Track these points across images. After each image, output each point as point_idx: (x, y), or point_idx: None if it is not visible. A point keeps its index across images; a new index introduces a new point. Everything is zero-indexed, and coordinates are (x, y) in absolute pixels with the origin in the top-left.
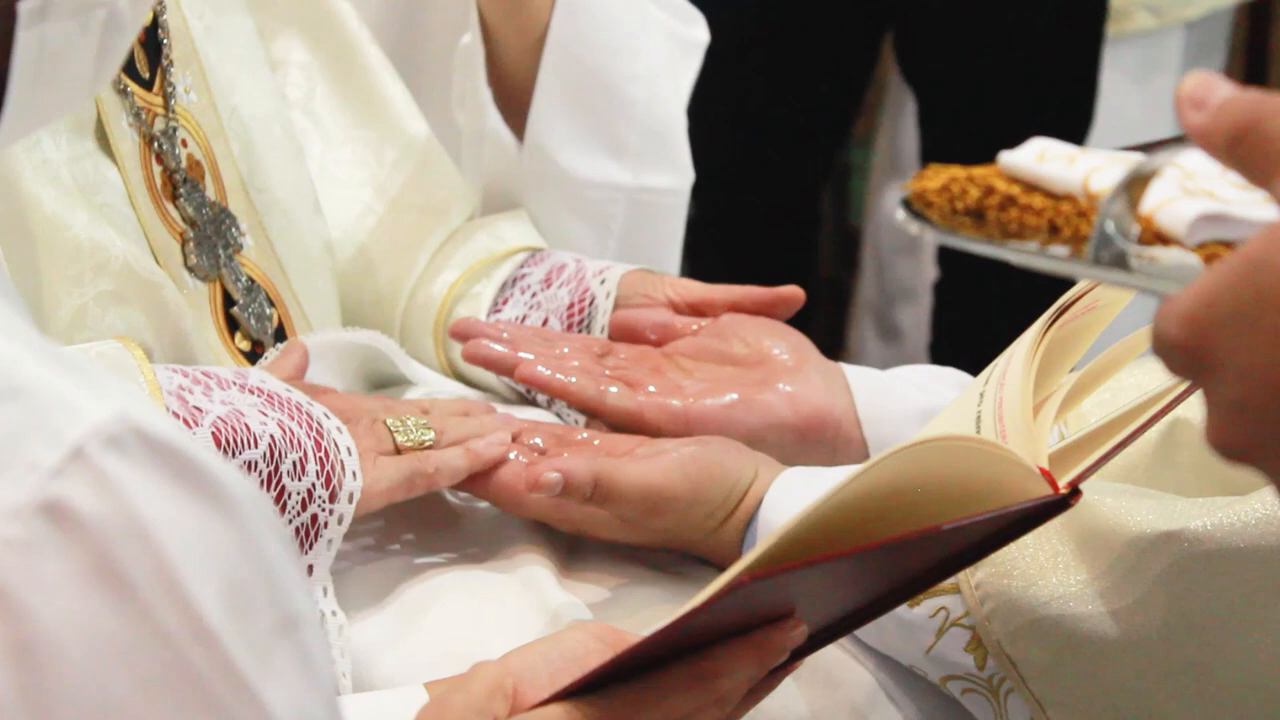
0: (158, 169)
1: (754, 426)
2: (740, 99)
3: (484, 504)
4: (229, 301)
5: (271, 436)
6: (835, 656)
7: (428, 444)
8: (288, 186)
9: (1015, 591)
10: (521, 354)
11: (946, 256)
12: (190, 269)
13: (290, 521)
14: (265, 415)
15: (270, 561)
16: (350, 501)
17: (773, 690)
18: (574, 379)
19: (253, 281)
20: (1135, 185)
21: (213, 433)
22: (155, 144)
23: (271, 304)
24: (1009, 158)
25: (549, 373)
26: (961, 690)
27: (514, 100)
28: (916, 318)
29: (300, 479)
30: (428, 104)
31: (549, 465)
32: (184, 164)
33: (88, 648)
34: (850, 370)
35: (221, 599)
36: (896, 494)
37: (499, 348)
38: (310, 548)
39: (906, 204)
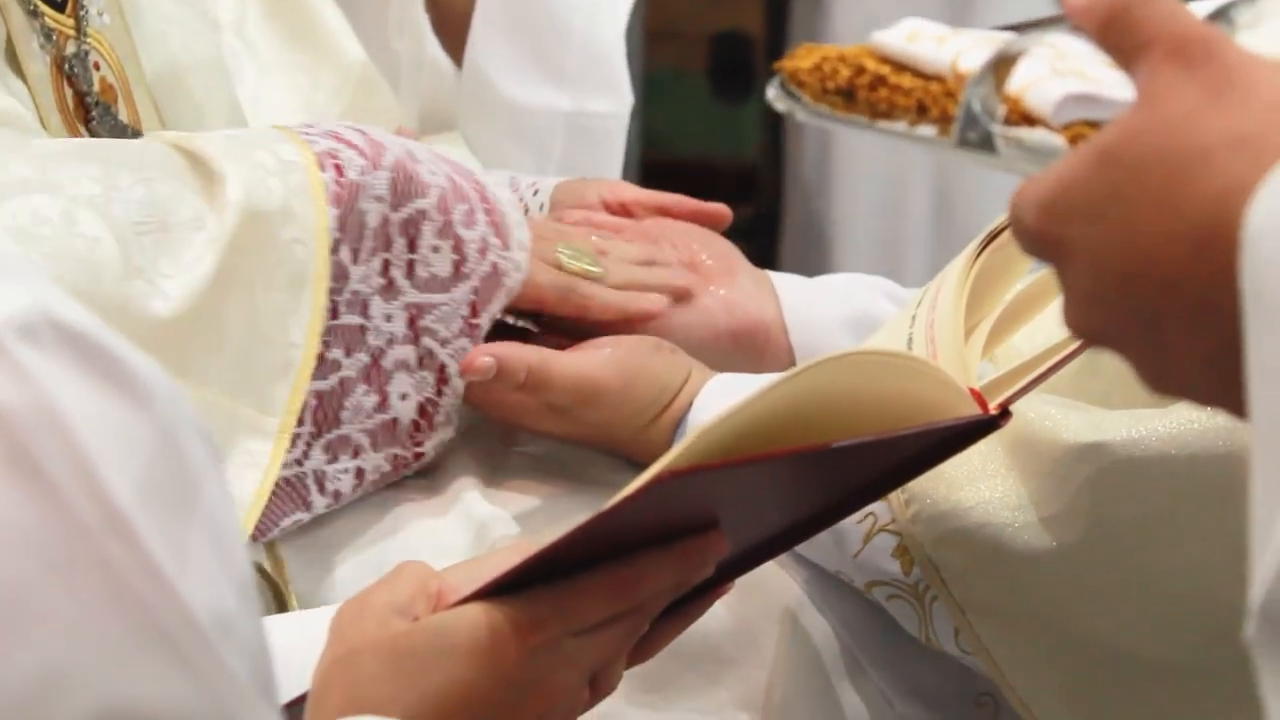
0: (69, 91)
1: (692, 329)
2: None
3: None
4: None
5: (441, 188)
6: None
7: (593, 275)
8: (209, 109)
9: (941, 497)
10: None
11: None
12: None
13: (472, 271)
14: (434, 168)
15: (185, 453)
16: (523, 249)
17: (704, 612)
18: None
19: None
20: (1002, 65)
21: (391, 177)
22: (67, 66)
23: None
24: (879, 37)
25: None
26: (887, 596)
27: (451, 27)
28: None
29: (473, 228)
30: (364, 32)
31: (484, 350)
32: (96, 87)
33: (1, 535)
34: (777, 277)
35: (136, 489)
36: (825, 406)
37: None
38: (495, 297)
39: (779, 83)
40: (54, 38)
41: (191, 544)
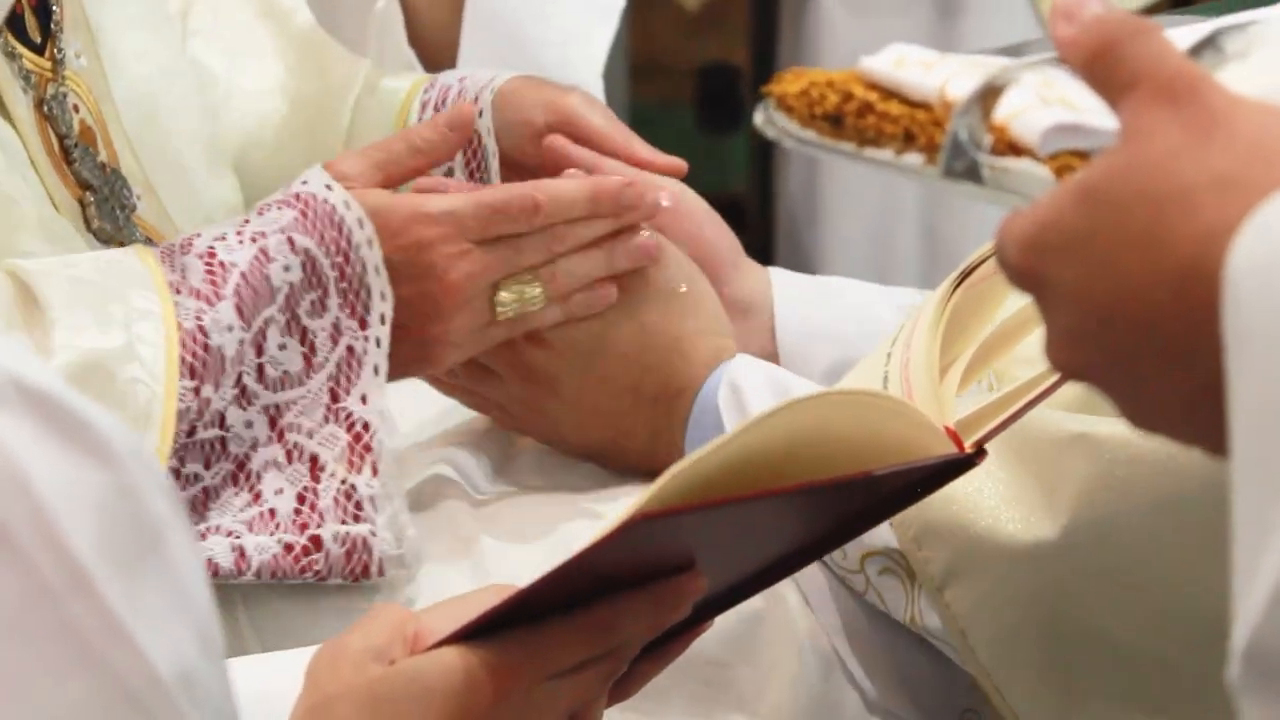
0: (51, 133)
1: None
2: None
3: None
4: None
5: (290, 284)
6: None
7: (533, 311)
8: (183, 148)
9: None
10: None
11: None
12: (94, 232)
13: (326, 359)
14: (291, 250)
15: (146, 509)
16: (383, 323)
17: (683, 651)
18: None
19: (150, 241)
20: (990, 94)
21: (235, 305)
22: (46, 108)
23: None
24: (867, 63)
25: None
26: (879, 570)
27: (435, 63)
28: None
29: (321, 315)
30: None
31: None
32: (75, 129)
33: None
34: (778, 280)
35: (98, 548)
36: (802, 445)
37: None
38: (357, 378)
39: (767, 108)
40: (32, 79)
41: (152, 599)
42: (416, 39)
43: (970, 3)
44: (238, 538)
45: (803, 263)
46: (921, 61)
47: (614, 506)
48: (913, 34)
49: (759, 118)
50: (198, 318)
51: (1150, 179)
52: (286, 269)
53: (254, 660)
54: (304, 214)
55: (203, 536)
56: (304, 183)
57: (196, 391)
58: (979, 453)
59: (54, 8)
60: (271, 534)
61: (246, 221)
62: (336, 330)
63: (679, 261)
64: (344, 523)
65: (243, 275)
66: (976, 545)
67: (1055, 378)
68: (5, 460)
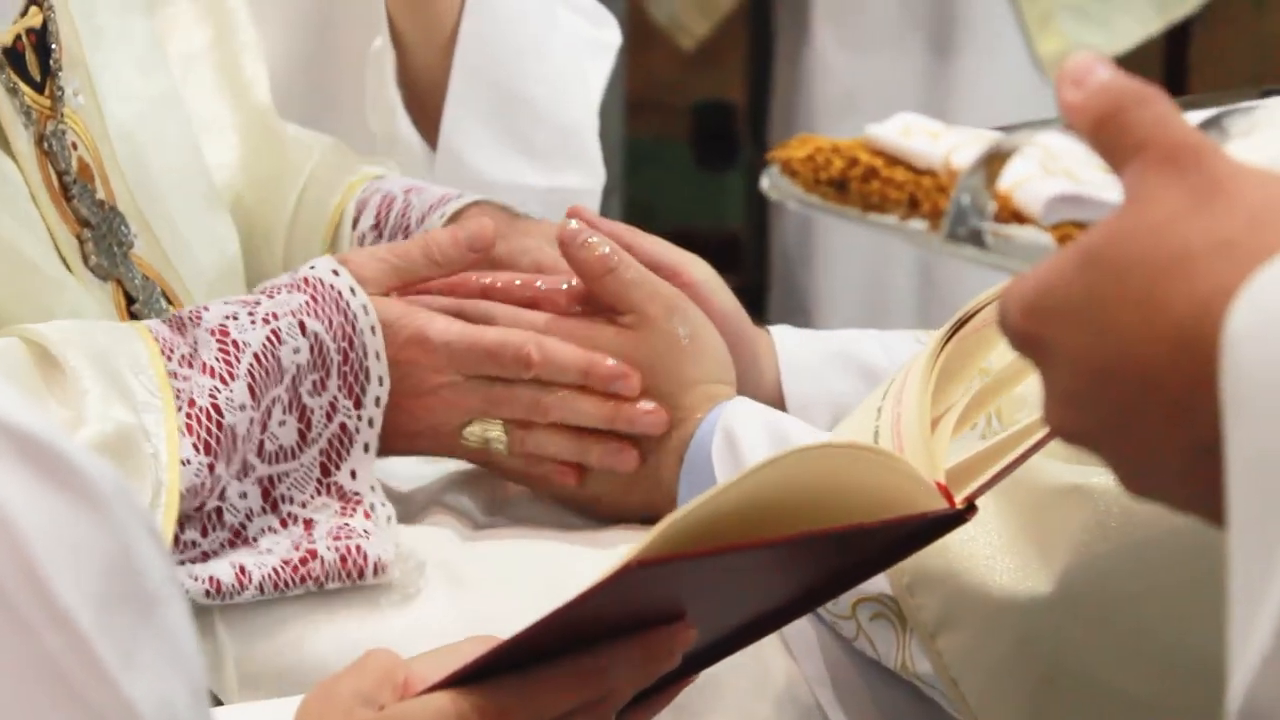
0: (51, 169)
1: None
2: None
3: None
4: (129, 299)
5: (297, 365)
6: None
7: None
8: (171, 188)
9: None
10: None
11: None
12: (92, 269)
13: (319, 436)
14: (302, 333)
15: (136, 553)
16: (378, 405)
17: (668, 704)
18: None
19: (147, 279)
20: (994, 162)
21: (248, 385)
22: (45, 144)
23: (169, 300)
24: (874, 130)
25: None
26: (870, 616)
27: (426, 103)
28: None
29: (320, 394)
30: (342, 107)
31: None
32: (74, 166)
33: None
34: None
35: (84, 590)
36: (793, 498)
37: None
38: (348, 454)
39: (771, 173)
40: (33, 115)
41: (143, 648)
42: (407, 78)
43: (965, 43)
44: (236, 557)
45: (797, 300)
46: (928, 131)
47: (607, 549)
48: (908, 73)
49: (765, 182)
50: (211, 395)
51: (1151, 243)
52: (296, 351)
53: (240, 709)
54: (314, 299)
55: (204, 559)
56: (311, 268)
57: (211, 469)
58: (969, 508)
59: (53, 46)
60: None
61: (258, 303)
62: (333, 409)
63: (684, 312)
64: (338, 538)
65: (255, 356)
66: (969, 594)
67: (1046, 430)
68: None
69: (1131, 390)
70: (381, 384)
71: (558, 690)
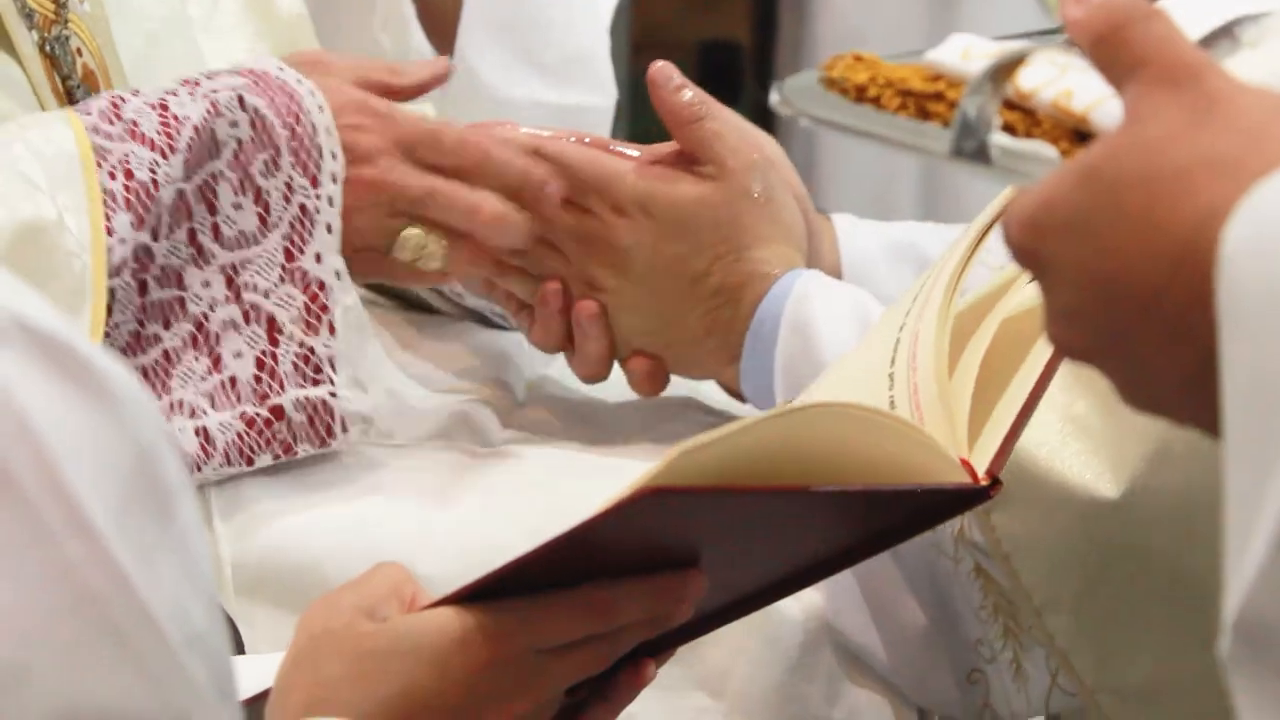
0: (55, 74)
1: None
2: None
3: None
4: None
5: (239, 140)
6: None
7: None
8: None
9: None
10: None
11: None
12: None
13: (280, 218)
14: (241, 107)
15: (160, 468)
16: (335, 182)
17: (654, 678)
18: None
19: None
20: (999, 74)
21: (185, 157)
22: (48, 48)
23: None
24: (933, 56)
25: None
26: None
27: (437, 21)
28: None
29: (274, 175)
30: (349, 25)
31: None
32: (79, 71)
33: None
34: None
35: (102, 494)
36: (812, 455)
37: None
38: (311, 237)
39: (783, 88)
40: (35, 18)
41: (161, 558)
42: (422, 13)
43: None
44: (202, 416)
45: None
46: (986, 54)
47: (619, 463)
48: (912, 13)
49: (774, 97)
50: (151, 170)
51: (1149, 160)
52: (234, 125)
53: (253, 658)
54: (256, 81)
55: (167, 415)
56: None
57: (147, 247)
58: (994, 483)
59: None
60: (233, 407)
61: (198, 83)
62: (290, 189)
63: (763, 171)
64: (302, 387)
65: (195, 129)
66: (1030, 475)
67: (1038, 378)
68: (9, 403)
69: (1131, 308)
70: (335, 158)
71: (563, 618)
